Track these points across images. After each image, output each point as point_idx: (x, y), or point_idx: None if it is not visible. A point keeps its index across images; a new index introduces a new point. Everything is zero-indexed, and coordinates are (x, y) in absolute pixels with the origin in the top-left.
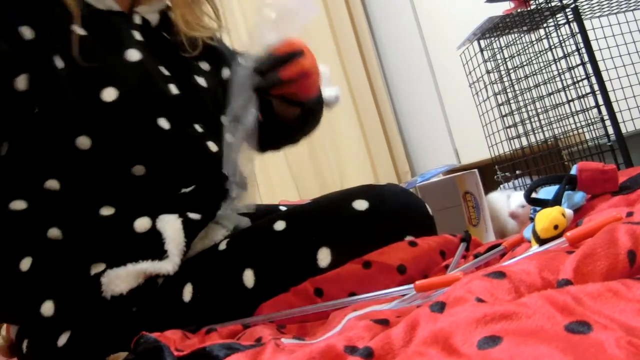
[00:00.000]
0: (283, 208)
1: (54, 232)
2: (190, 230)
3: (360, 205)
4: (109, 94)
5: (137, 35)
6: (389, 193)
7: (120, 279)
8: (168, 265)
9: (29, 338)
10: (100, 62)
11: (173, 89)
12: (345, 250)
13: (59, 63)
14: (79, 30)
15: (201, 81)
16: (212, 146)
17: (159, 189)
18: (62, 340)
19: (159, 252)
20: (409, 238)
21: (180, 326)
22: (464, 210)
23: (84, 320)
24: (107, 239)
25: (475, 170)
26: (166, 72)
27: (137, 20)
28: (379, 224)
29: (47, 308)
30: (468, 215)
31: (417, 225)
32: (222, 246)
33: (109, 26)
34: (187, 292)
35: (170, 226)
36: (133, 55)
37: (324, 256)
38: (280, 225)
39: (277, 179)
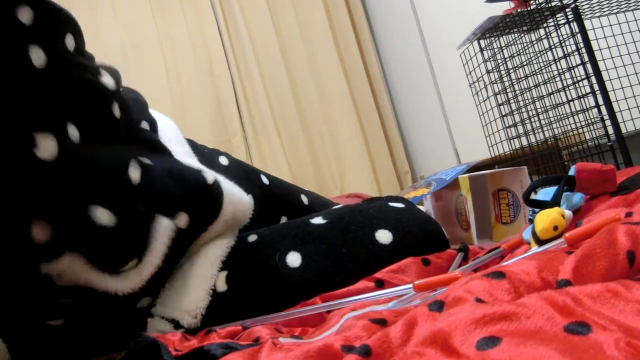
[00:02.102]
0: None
1: None
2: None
3: (384, 237)
4: None
5: None
6: (412, 223)
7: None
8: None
9: None
10: None
11: None
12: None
13: None
14: None
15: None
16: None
17: None
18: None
19: None
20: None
21: (213, 318)
22: (490, 208)
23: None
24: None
25: (525, 167)
26: None
27: None
28: (402, 258)
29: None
30: (497, 213)
31: (434, 250)
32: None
33: None
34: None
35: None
36: None
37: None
38: (295, 261)
39: None
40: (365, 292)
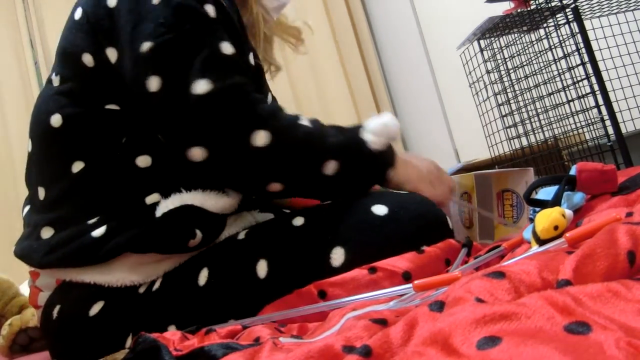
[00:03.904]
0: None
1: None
2: (245, 201)
3: (380, 210)
4: None
5: None
6: (409, 201)
7: (191, 195)
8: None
9: (61, 304)
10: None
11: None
12: (359, 253)
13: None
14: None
15: None
16: None
17: None
18: (95, 310)
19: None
20: (423, 247)
21: (193, 310)
22: (494, 208)
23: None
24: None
25: (531, 168)
26: None
27: None
28: (396, 231)
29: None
30: (500, 213)
31: (434, 235)
32: (241, 236)
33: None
34: (203, 277)
35: None
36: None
37: (337, 255)
38: (298, 221)
39: None
40: (358, 278)
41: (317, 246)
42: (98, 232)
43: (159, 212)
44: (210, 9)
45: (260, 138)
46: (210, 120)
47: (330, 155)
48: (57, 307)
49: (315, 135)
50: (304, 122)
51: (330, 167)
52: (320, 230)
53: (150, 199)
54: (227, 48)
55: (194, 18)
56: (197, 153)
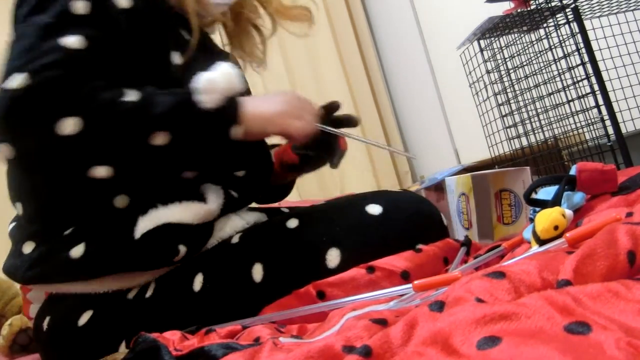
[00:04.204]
0: (285, 210)
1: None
2: (227, 203)
3: (374, 209)
4: None
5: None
6: (404, 200)
7: (168, 210)
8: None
9: (51, 316)
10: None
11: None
12: (355, 253)
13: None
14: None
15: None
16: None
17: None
18: (83, 319)
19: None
20: (420, 246)
21: (188, 316)
22: (492, 208)
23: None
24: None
25: (528, 167)
26: None
27: None
28: (391, 230)
29: (77, 250)
30: (499, 213)
31: (429, 234)
32: (235, 240)
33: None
34: (198, 282)
35: (213, 190)
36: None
37: (333, 257)
38: (293, 223)
39: None
40: (357, 278)
41: (312, 248)
42: (76, 252)
43: (137, 234)
44: (79, 5)
45: (68, 126)
46: (14, 115)
47: (157, 127)
48: (47, 319)
49: (139, 108)
50: (129, 97)
51: (160, 138)
52: (314, 232)
53: (119, 202)
54: (71, 42)
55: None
56: (5, 150)
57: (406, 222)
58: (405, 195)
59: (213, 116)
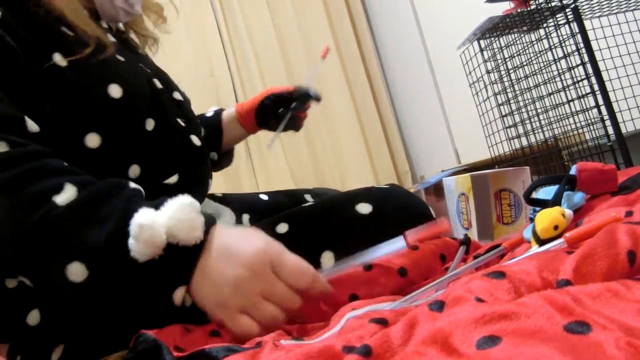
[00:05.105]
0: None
1: None
2: None
3: (364, 208)
4: (115, 91)
5: (110, 37)
6: (392, 195)
7: None
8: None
9: (22, 355)
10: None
11: (158, 83)
12: (348, 254)
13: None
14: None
15: (168, 77)
16: (196, 140)
17: (146, 180)
18: (55, 355)
19: None
20: (416, 244)
21: (169, 320)
22: (491, 208)
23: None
24: None
25: (527, 167)
26: (147, 70)
27: (104, 23)
28: (383, 227)
29: (33, 317)
30: (499, 213)
31: (419, 222)
32: None
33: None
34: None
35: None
36: (120, 55)
37: (327, 259)
38: (282, 228)
39: (276, 179)
40: (354, 277)
41: (306, 252)
42: (32, 320)
43: None
44: None
45: None
46: None
47: (75, 256)
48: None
49: (62, 227)
50: (64, 196)
51: (76, 270)
52: (306, 236)
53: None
54: None
55: None
56: None
57: (395, 217)
58: (393, 190)
59: (147, 271)
